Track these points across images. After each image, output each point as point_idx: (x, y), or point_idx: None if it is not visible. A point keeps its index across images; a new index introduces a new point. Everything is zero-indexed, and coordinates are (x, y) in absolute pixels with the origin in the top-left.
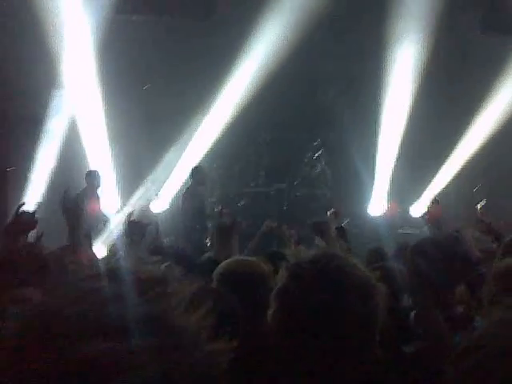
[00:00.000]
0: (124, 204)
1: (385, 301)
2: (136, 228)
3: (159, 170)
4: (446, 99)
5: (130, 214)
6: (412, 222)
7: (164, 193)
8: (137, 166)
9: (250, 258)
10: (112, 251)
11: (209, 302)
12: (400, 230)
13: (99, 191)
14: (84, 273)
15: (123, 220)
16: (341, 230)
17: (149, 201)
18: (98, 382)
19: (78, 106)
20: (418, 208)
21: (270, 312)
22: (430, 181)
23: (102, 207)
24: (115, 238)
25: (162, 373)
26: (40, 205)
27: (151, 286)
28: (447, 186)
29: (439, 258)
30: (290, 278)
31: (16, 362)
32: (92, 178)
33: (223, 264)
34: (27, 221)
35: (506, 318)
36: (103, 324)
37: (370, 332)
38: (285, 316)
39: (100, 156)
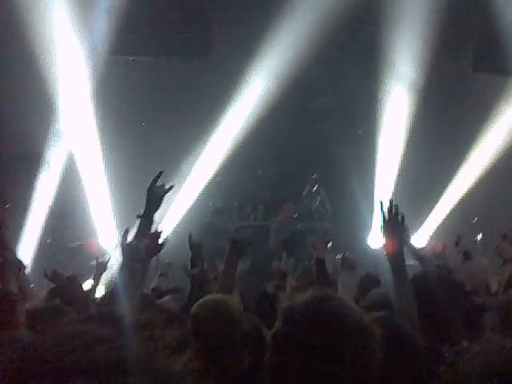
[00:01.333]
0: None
1: (381, 345)
2: (136, 252)
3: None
4: (441, 134)
5: (126, 232)
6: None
7: (163, 226)
8: (136, 202)
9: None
10: (109, 289)
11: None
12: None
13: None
14: (76, 315)
15: (119, 244)
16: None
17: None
18: None
19: (76, 144)
20: (418, 238)
21: (266, 355)
22: (429, 212)
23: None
24: (113, 272)
25: None
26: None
27: (137, 330)
28: (445, 218)
29: (439, 292)
30: (283, 323)
31: None
32: None
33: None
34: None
35: (494, 341)
36: (83, 367)
37: (366, 376)
38: (279, 360)
39: (98, 191)
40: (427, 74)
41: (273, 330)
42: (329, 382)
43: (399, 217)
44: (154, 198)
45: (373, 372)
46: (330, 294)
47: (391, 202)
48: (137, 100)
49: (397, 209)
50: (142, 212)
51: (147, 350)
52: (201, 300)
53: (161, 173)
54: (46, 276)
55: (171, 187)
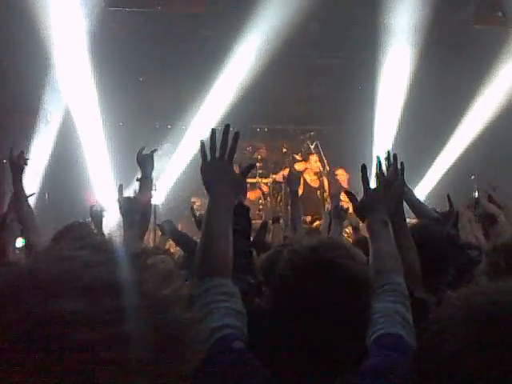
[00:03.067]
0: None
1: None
2: (134, 204)
3: (155, 161)
4: (442, 88)
5: (121, 188)
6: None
7: (160, 184)
8: (131, 156)
9: None
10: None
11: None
12: None
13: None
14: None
15: (116, 198)
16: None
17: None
18: (57, 338)
19: (73, 99)
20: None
21: (265, 291)
22: (428, 168)
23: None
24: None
25: (128, 331)
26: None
27: (129, 258)
28: (445, 174)
29: (427, 244)
30: (286, 263)
31: None
32: None
33: None
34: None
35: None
36: (74, 286)
37: (359, 325)
38: (277, 298)
39: (96, 148)
40: (428, 27)
41: (278, 269)
42: (320, 327)
43: (399, 166)
44: (145, 162)
45: (365, 322)
46: (337, 242)
47: (389, 153)
48: (134, 53)
49: (396, 159)
50: (139, 176)
51: (138, 275)
52: None
53: (143, 148)
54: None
55: (154, 150)
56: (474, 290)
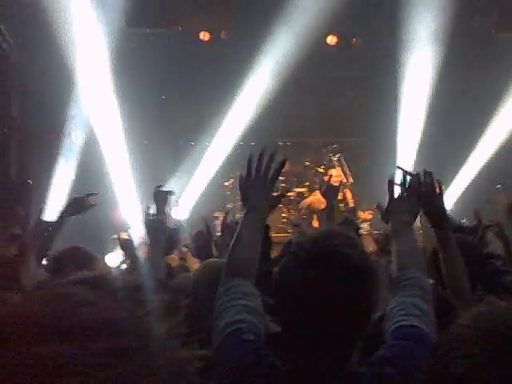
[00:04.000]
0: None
1: (379, 286)
2: (159, 224)
3: (179, 177)
4: (465, 99)
5: (148, 208)
6: None
7: (183, 201)
8: (156, 174)
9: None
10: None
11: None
12: None
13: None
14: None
15: (142, 216)
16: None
17: (169, 208)
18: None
19: (97, 118)
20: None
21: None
22: (453, 178)
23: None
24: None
25: (120, 376)
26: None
27: (127, 293)
28: (470, 184)
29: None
30: (290, 255)
31: None
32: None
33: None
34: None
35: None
36: (66, 327)
37: (360, 316)
38: (280, 289)
39: (120, 166)
40: (450, 36)
41: (282, 263)
42: (321, 317)
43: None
44: (160, 199)
45: (366, 313)
46: (339, 231)
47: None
48: (156, 72)
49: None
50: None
51: (133, 313)
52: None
53: (160, 185)
54: None
55: (171, 192)
56: (482, 310)
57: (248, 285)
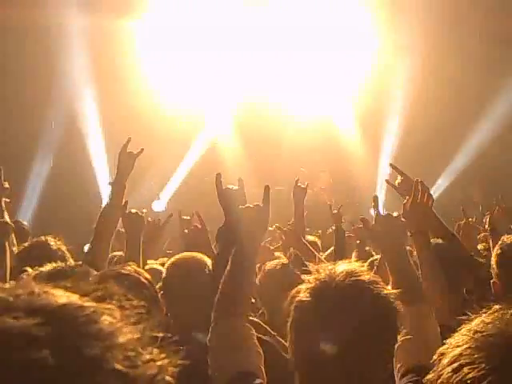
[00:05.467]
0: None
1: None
2: (137, 222)
3: (161, 170)
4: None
5: (125, 205)
6: None
7: (165, 194)
8: (138, 166)
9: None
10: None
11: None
12: None
13: None
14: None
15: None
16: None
17: (150, 201)
18: None
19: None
20: None
21: (288, 322)
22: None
23: None
24: None
25: None
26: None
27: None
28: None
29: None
30: (308, 294)
31: None
32: None
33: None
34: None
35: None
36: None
37: (383, 350)
38: (298, 327)
39: (100, 154)
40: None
41: (298, 298)
42: (344, 357)
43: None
44: (125, 162)
45: (389, 345)
46: (355, 269)
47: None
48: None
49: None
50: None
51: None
52: None
53: (129, 138)
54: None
55: (141, 151)
56: (482, 320)
57: (246, 326)
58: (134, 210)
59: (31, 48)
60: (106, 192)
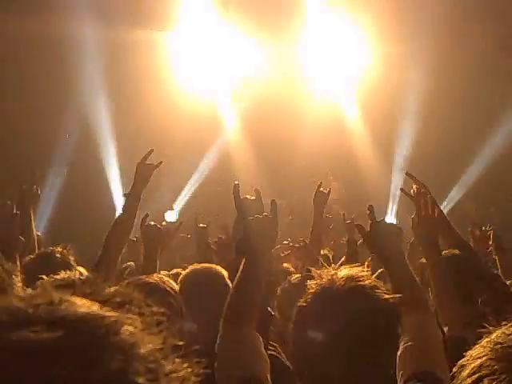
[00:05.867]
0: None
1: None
2: (157, 234)
3: (175, 180)
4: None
5: (146, 217)
6: None
7: (177, 203)
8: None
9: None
10: None
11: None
12: None
13: None
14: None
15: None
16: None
17: (164, 211)
18: None
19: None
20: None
21: (290, 325)
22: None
23: None
24: None
25: None
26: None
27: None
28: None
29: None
30: (309, 298)
31: None
32: None
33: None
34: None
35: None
36: None
37: (383, 356)
38: (299, 332)
39: (113, 166)
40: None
41: (301, 302)
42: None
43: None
44: (143, 174)
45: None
46: (356, 275)
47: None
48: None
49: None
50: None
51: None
52: None
53: (151, 150)
54: None
55: (160, 163)
56: (502, 331)
57: (253, 335)
58: (152, 223)
59: (47, 59)
60: (119, 203)
